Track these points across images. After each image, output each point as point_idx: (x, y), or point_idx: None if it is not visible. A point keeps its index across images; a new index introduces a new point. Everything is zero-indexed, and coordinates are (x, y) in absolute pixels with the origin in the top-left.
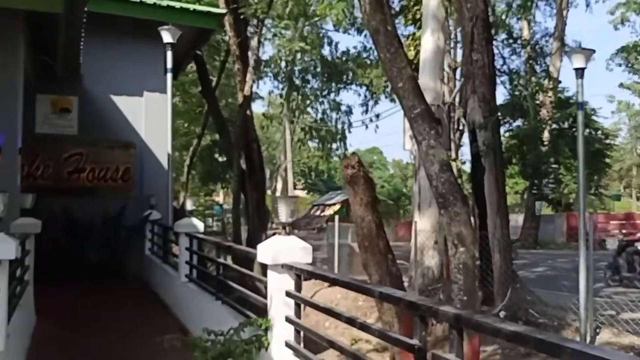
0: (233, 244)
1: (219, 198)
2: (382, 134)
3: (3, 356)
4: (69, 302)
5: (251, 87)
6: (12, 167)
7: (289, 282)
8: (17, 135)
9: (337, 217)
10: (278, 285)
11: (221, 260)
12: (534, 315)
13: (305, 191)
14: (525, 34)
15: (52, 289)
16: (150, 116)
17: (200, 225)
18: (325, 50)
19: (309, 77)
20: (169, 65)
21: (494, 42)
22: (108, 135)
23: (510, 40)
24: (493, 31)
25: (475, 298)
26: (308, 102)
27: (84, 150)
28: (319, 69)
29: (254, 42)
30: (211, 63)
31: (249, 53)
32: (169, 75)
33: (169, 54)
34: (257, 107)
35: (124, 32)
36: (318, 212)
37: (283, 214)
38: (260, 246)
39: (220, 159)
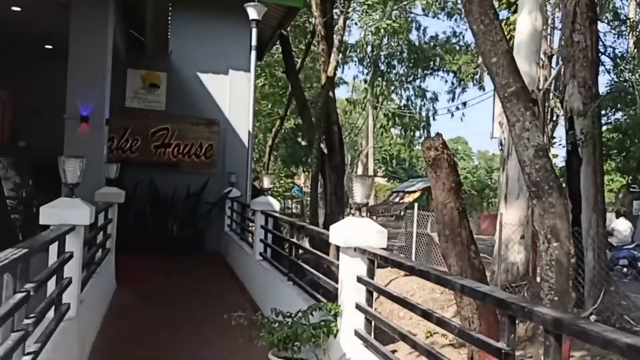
0: (306, 224)
1: (300, 181)
2: (468, 125)
3: (75, 322)
4: (150, 272)
5: (335, 67)
6: (98, 137)
7: (361, 267)
8: (104, 106)
9: (416, 204)
10: (350, 269)
11: (294, 240)
12: (629, 322)
13: (386, 178)
14: (632, 15)
15: (135, 258)
16: (234, 94)
17: (275, 203)
18: (413, 35)
19: (395, 62)
20: (254, 42)
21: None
22: (193, 111)
23: (617, 22)
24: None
25: (568, 299)
26: (393, 87)
27: (170, 125)
28: (405, 54)
29: (339, 23)
30: (296, 45)
31: (334, 34)
32: (253, 53)
33: (254, 31)
34: (341, 93)
35: (211, 9)
36: (397, 199)
37: (358, 194)
38: (333, 227)
39: (302, 143)
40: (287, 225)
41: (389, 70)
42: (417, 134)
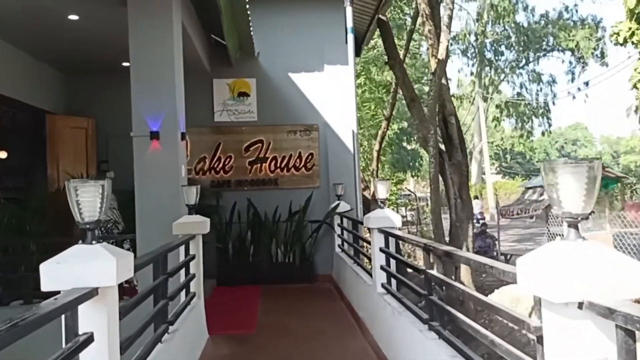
0: (455, 249)
1: (409, 186)
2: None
3: None
4: (252, 311)
5: (447, 48)
6: (172, 155)
7: (598, 339)
8: (177, 119)
9: None
10: (568, 336)
11: (435, 273)
12: None
13: (500, 175)
14: None
15: (235, 294)
16: (332, 92)
17: (396, 218)
18: (520, 17)
19: (502, 48)
20: (349, 23)
21: None
22: (288, 118)
23: None
24: None
25: None
26: (503, 75)
27: (264, 137)
28: (514, 38)
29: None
30: (397, 35)
31: (442, 8)
32: (350, 37)
33: (349, 10)
34: None
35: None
36: (535, 196)
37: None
38: (530, 259)
39: (408, 147)
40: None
41: (496, 57)
42: (536, 122)
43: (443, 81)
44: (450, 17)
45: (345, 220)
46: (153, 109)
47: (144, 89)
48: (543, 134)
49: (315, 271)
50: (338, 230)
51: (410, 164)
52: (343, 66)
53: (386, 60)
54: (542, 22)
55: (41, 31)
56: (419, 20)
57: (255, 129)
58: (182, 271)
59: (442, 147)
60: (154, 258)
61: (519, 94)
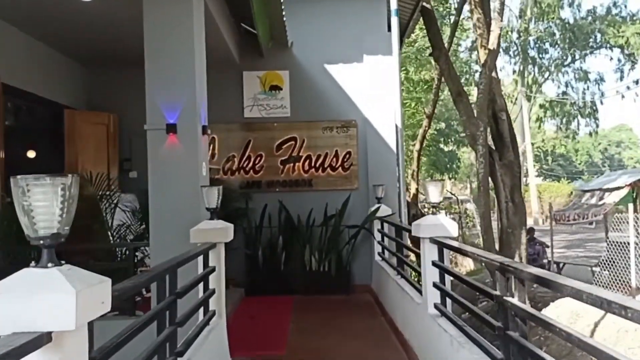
0: (543, 271)
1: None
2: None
3: None
4: (282, 327)
5: (498, 37)
6: (192, 151)
7: None
8: (196, 110)
9: (631, 206)
10: None
11: (517, 302)
12: None
13: (541, 177)
14: None
15: (265, 306)
16: (372, 85)
17: (452, 226)
18: (565, 12)
19: (547, 45)
20: (394, 4)
21: None
22: (323, 113)
23: None
24: None
25: None
26: (547, 74)
27: (298, 134)
28: (559, 35)
29: None
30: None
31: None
32: (395, 21)
33: None
34: None
35: None
36: (594, 200)
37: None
38: None
39: (445, 148)
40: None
41: (540, 55)
42: (582, 123)
43: (493, 74)
44: (503, 4)
45: (386, 225)
46: (170, 99)
47: (160, 76)
48: (590, 134)
49: (353, 281)
50: (378, 236)
51: (448, 165)
52: (385, 56)
53: (430, 52)
54: (589, 18)
55: (54, 16)
56: (466, 7)
57: (288, 125)
58: (201, 285)
59: (492, 145)
60: (155, 277)
61: (564, 93)
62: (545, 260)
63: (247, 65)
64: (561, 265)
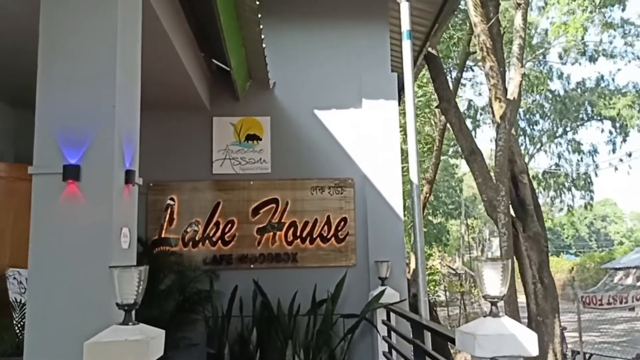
0: None
1: (434, 262)
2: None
3: None
4: None
5: (519, 85)
6: (103, 211)
7: None
8: (114, 145)
9: None
10: None
11: None
12: None
13: None
14: None
15: None
16: (374, 135)
17: (529, 340)
18: (555, 84)
19: (537, 117)
20: (406, 24)
21: None
22: (312, 170)
23: None
24: None
25: None
26: (539, 145)
27: (280, 195)
28: (550, 106)
29: (517, 21)
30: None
31: (513, 37)
32: (408, 46)
33: (405, 6)
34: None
35: (325, 15)
36: (629, 280)
37: None
38: None
39: (433, 220)
40: None
41: (530, 127)
42: (577, 195)
43: (513, 131)
44: (522, 48)
45: (394, 316)
46: (72, 128)
47: (58, 92)
48: (585, 207)
49: None
50: (383, 330)
51: (438, 237)
52: (388, 101)
53: (436, 104)
54: (579, 90)
55: None
56: (479, 55)
57: (267, 184)
58: None
59: (513, 213)
60: None
61: (556, 165)
62: (563, 347)
63: (218, 109)
64: (587, 356)
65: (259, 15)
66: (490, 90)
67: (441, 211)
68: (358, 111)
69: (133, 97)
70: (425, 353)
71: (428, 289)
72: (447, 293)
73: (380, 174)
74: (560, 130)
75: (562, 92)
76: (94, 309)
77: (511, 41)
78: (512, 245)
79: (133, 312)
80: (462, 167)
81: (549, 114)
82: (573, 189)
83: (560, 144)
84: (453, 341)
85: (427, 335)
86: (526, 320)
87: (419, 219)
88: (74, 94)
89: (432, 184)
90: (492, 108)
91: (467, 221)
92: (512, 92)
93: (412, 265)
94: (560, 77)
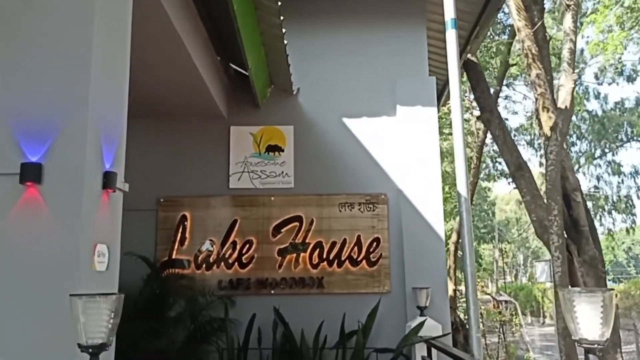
0: None
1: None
2: None
3: None
4: None
5: (572, 92)
6: (71, 221)
7: None
8: (87, 139)
9: None
10: None
11: None
12: None
13: None
14: None
15: None
16: (409, 145)
17: None
18: (592, 105)
19: (574, 138)
20: (450, 12)
21: None
22: (340, 184)
23: None
24: None
25: None
26: (577, 167)
27: (304, 212)
28: (584, 128)
29: (567, 24)
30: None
31: (564, 44)
32: (452, 35)
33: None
34: (502, 186)
35: (357, 12)
36: None
37: None
38: None
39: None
40: None
41: (567, 148)
42: (618, 218)
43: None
44: (573, 52)
45: (435, 352)
46: (34, 116)
47: (17, 77)
48: (627, 231)
49: None
50: None
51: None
52: (426, 107)
53: (478, 115)
54: (618, 110)
55: None
56: (525, 62)
57: (290, 200)
58: None
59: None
60: None
61: (595, 187)
62: None
63: (236, 117)
64: None
65: (279, 3)
66: (537, 100)
67: (473, 235)
68: (392, 119)
69: (118, 91)
70: None
71: (465, 317)
72: (483, 320)
73: (417, 188)
74: (598, 152)
75: (599, 113)
76: (53, 351)
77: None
78: (566, 271)
79: (101, 357)
80: (495, 190)
81: (586, 135)
82: (613, 212)
83: (600, 165)
84: None
85: None
86: (582, 357)
87: (469, 236)
88: (38, 81)
89: (471, 202)
90: (539, 120)
91: (501, 245)
92: (564, 100)
93: (450, 292)
94: (597, 97)
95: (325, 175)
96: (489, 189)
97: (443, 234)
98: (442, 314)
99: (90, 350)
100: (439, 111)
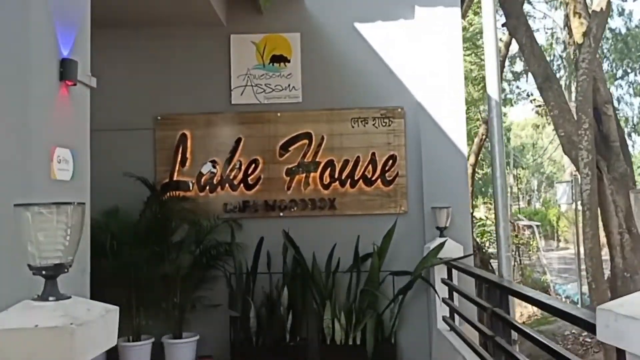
0: None
1: (479, 213)
2: None
3: None
4: None
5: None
6: (11, 122)
7: None
8: (53, 44)
9: None
10: None
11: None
12: None
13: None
14: None
15: None
16: (429, 52)
17: None
18: (615, 22)
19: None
20: None
21: None
22: (353, 97)
23: None
24: None
25: None
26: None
27: (314, 129)
28: (606, 47)
29: None
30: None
31: None
32: None
33: None
34: (518, 111)
35: None
36: None
37: None
38: None
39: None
40: None
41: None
42: (638, 141)
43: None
44: None
45: (456, 273)
46: None
47: None
48: None
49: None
50: (443, 290)
51: (482, 189)
52: (448, 8)
53: (503, 22)
54: None
55: None
56: None
57: (298, 115)
58: None
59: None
60: None
61: (615, 109)
62: None
63: (236, 25)
64: None
65: None
66: (567, 4)
67: (487, 161)
68: (409, 23)
69: None
70: (512, 326)
71: (481, 240)
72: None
73: (438, 101)
74: (620, 72)
75: (623, 30)
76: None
77: None
78: (595, 189)
79: (52, 280)
80: (510, 115)
81: (608, 55)
82: (633, 134)
83: (621, 86)
84: (582, 325)
85: (512, 302)
86: (609, 276)
87: (500, 146)
88: None
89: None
90: (569, 28)
91: (515, 171)
92: (599, 1)
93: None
94: (621, 14)
95: (336, 87)
96: (505, 114)
97: (465, 149)
98: (464, 235)
99: (44, 272)
100: (465, 14)
